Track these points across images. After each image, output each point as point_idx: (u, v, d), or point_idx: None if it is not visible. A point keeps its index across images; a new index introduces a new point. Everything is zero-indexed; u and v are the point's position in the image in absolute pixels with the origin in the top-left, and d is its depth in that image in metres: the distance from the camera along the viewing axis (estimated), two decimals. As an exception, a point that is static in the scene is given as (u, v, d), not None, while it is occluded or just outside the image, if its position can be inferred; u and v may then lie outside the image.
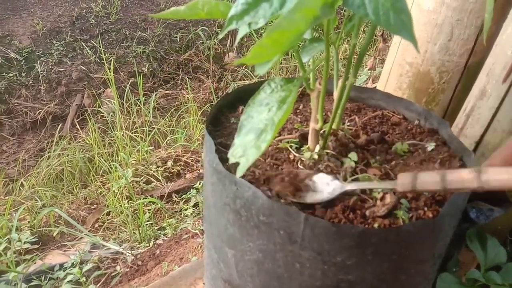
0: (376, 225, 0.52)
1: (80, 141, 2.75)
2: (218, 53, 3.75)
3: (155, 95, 3.11)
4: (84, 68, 3.39)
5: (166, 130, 2.70)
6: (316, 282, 0.53)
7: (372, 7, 0.38)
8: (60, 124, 3.02)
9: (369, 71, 1.68)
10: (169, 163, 2.30)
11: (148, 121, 2.71)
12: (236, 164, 0.46)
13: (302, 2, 0.36)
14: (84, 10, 3.86)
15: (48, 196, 2.23)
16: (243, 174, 0.61)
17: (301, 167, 0.64)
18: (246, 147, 0.44)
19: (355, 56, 0.60)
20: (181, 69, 3.61)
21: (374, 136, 0.71)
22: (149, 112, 2.77)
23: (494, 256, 0.85)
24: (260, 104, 0.48)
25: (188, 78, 3.48)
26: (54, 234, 1.93)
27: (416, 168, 0.63)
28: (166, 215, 1.91)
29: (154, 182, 2.16)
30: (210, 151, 0.61)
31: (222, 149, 0.66)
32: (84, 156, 2.54)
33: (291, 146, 0.68)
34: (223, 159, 0.57)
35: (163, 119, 2.81)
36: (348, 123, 0.75)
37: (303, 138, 0.70)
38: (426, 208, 0.55)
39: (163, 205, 1.90)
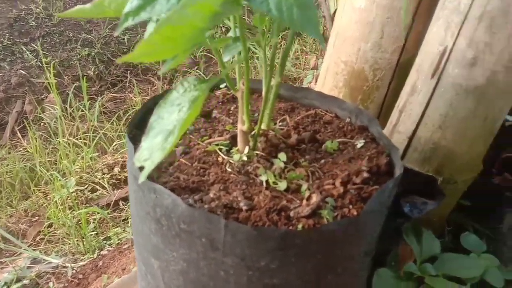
0: (300, 226, 0.51)
1: (21, 150, 2.58)
2: (168, 55, 3.66)
3: (102, 98, 2.98)
4: (25, 73, 3.20)
5: (113, 135, 2.59)
6: (242, 289, 0.52)
7: (275, 2, 0.37)
8: (-1, 133, 2.83)
9: (313, 71, 1.70)
10: (116, 170, 2.20)
11: (93, 126, 2.60)
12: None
13: (196, -3, 0.34)
14: (23, 11, 3.65)
15: (-16, 210, 2.08)
16: (166, 180, 0.59)
17: (229, 169, 0.62)
18: (152, 150, 0.42)
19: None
20: (129, 72, 3.49)
21: (305, 135, 0.70)
22: (94, 117, 2.65)
23: (429, 248, 0.88)
24: (172, 104, 0.45)
25: (137, 80, 3.37)
26: (-10, 251, 1.80)
27: (344, 166, 0.63)
28: (111, 224, 1.83)
29: (100, 190, 2.07)
30: (130, 158, 0.57)
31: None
32: (25, 165, 2.39)
33: (220, 149, 0.66)
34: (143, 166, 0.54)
35: (109, 123, 2.69)
36: (280, 123, 0.74)
37: (234, 140, 0.68)
38: (351, 206, 0.54)
39: (106, 215, 1.82)
